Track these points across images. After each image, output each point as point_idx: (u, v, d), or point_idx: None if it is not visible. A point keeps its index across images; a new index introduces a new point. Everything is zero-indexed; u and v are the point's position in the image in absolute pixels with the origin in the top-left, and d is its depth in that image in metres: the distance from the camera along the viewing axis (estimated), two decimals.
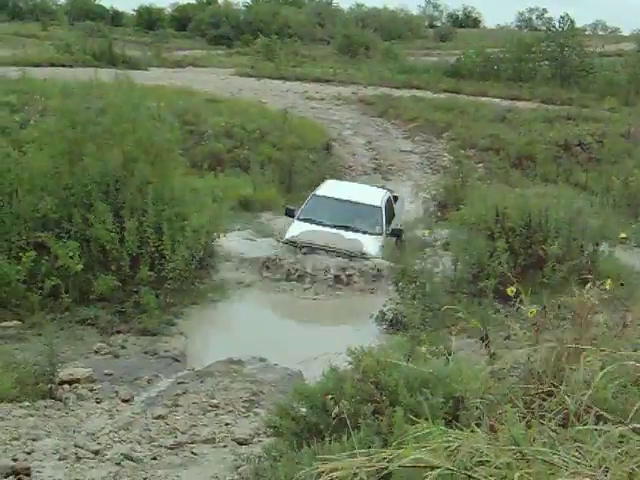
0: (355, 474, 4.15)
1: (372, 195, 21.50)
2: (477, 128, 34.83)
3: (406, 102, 39.27)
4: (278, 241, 19.27)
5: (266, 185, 24.83)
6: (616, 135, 33.85)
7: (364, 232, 19.53)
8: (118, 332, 14.49)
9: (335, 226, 19.51)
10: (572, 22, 50.40)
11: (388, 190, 22.89)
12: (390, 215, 20.97)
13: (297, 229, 19.35)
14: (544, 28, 54.71)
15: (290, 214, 20.38)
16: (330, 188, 21.66)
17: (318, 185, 26.06)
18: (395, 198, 22.71)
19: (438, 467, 4.11)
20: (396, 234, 20.23)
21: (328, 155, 30.36)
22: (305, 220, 19.81)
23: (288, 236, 19.13)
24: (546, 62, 49.02)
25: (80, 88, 19.88)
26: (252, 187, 24.35)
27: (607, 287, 7.24)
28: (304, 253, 18.54)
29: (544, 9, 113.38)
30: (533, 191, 20.39)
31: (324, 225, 19.58)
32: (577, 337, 6.34)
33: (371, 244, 19.10)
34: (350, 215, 20.05)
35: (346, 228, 19.49)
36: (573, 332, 6.42)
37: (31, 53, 41.84)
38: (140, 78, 21.21)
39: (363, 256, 18.54)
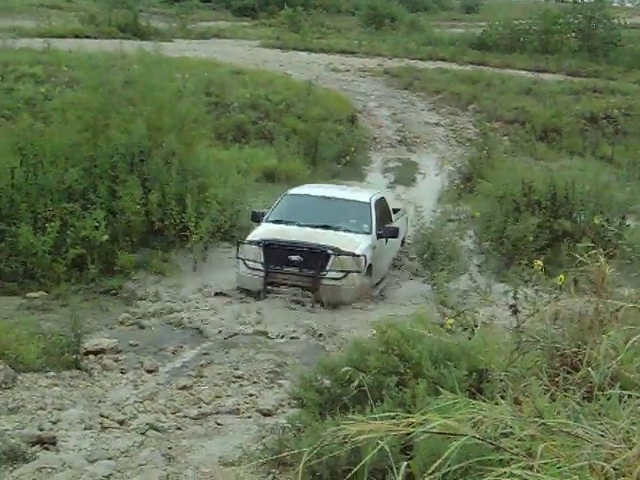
0: (377, 443, 4.15)
1: (359, 193, 18.36)
2: (503, 100, 34.62)
3: (431, 74, 39.03)
4: (238, 243, 16.00)
5: (291, 157, 24.77)
6: None
7: (348, 231, 16.21)
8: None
9: (312, 226, 16.18)
10: None
11: (383, 195, 18.68)
12: (383, 218, 17.25)
13: (263, 229, 16.21)
14: (571, 0, 54.14)
15: (257, 219, 16.78)
16: (308, 187, 18.47)
17: (343, 157, 26.07)
18: (395, 210, 18.72)
19: (463, 435, 4.10)
20: (391, 234, 16.72)
21: (353, 127, 30.25)
22: (275, 222, 16.50)
23: (250, 237, 15.88)
24: (573, 34, 48.62)
25: (105, 60, 19.90)
26: (277, 159, 24.32)
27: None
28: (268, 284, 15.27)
29: None
30: (559, 164, 20.32)
31: (299, 226, 16.25)
32: (600, 310, 6.32)
33: (356, 243, 15.77)
34: (331, 214, 16.74)
35: (326, 228, 16.20)
36: (595, 305, 6.40)
37: (56, 25, 41.74)
38: (165, 50, 21.17)
39: (343, 253, 15.26)
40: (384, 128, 32.21)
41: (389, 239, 16.81)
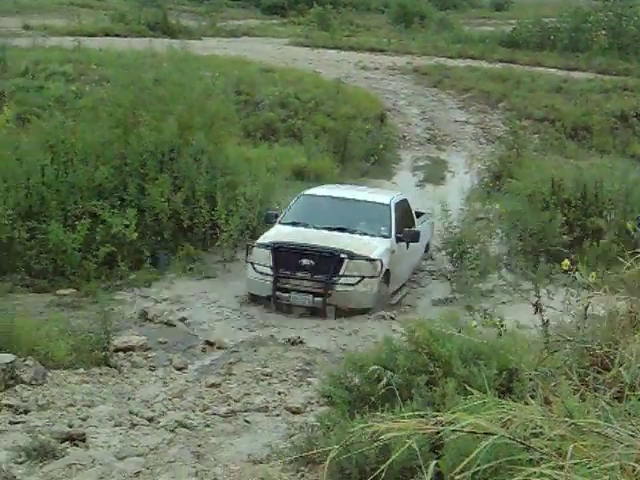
0: (406, 441, 4.15)
1: (379, 194, 17.50)
2: (533, 98, 34.42)
3: (461, 72, 38.86)
4: (247, 246, 15.28)
5: (320, 155, 24.72)
6: None
7: (365, 234, 15.52)
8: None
9: (327, 229, 15.50)
10: None
11: (404, 198, 17.50)
12: (404, 221, 16.35)
13: (274, 231, 15.53)
14: None
15: (270, 220, 16.15)
16: (325, 188, 17.66)
17: (372, 155, 26.03)
18: (419, 214, 17.84)
19: (493, 434, 4.09)
20: (411, 238, 15.85)
21: (382, 125, 30.18)
22: (290, 224, 15.84)
23: (260, 240, 15.22)
24: (603, 32, 48.28)
25: (135, 58, 19.99)
26: (306, 157, 24.30)
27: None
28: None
29: None
30: (589, 162, 20.22)
31: (314, 228, 15.60)
32: (632, 308, 6.28)
33: (373, 247, 15.13)
34: (348, 216, 15.96)
35: (342, 230, 15.53)
36: (629, 304, 6.36)
37: (86, 23, 41.92)
38: (194, 48, 21.28)
39: (357, 257, 14.62)
40: (413, 126, 32.13)
41: (410, 244, 15.97)
